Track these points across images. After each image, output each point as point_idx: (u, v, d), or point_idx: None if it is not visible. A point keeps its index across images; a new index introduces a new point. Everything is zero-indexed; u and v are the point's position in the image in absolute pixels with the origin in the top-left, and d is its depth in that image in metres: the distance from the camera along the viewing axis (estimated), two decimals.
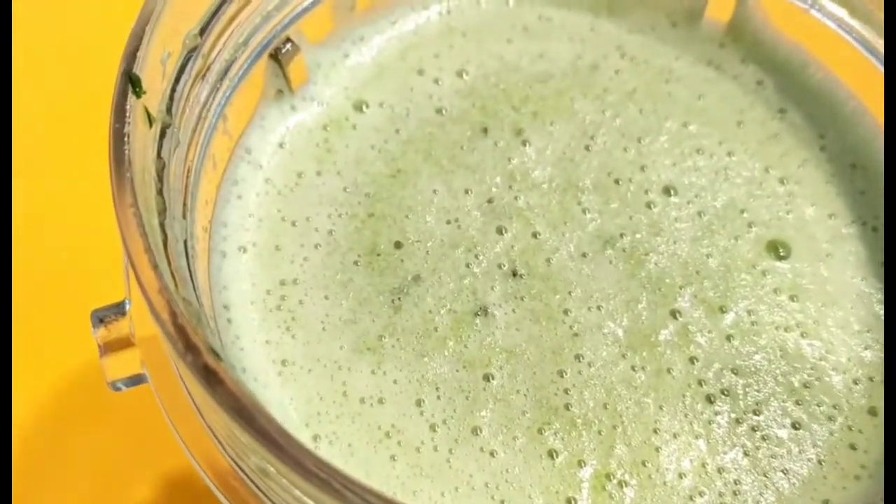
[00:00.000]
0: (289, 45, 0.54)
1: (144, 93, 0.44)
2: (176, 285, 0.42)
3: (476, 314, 0.49)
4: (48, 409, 0.65)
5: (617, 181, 0.52)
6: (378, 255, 0.51)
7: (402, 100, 0.55)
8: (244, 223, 0.51)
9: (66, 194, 0.73)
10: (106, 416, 0.64)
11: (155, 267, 0.39)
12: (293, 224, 0.51)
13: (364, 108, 0.55)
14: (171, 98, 0.47)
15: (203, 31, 0.48)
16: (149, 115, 0.44)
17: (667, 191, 0.52)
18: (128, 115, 0.43)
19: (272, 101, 0.54)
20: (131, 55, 0.44)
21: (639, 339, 0.48)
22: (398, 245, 0.51)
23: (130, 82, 0.44)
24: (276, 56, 0.53)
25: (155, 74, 0.45)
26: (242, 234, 0.51)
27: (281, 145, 0.53)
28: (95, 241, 0.66)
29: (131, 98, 0.43)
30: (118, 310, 0.47)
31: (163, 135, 0.46)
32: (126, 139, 0.42)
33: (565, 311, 0.49)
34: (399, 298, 0.49)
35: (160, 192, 0.44)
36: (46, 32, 0.80)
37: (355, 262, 0.50)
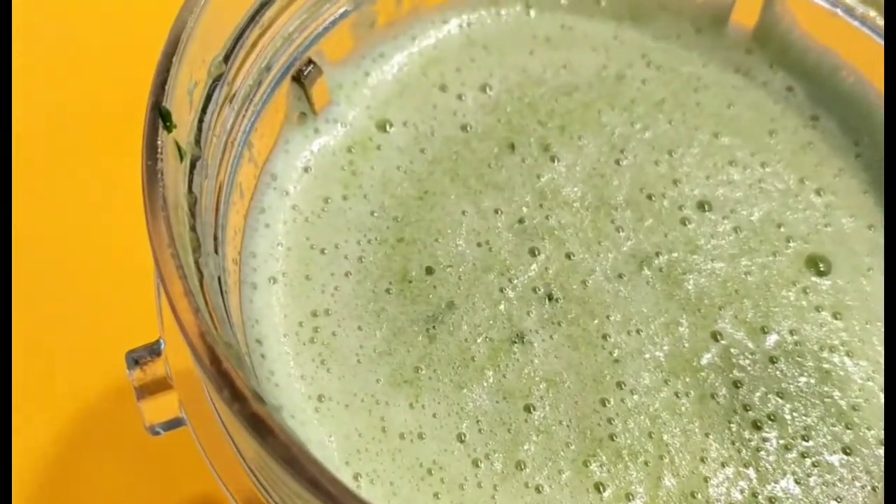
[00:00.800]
0: (311, 67, 0.53)
1: (175, 126, 0.43)
2: (215, 326, 0.41)
3: (513, 341, 0.48)
4: (69, 435, 0.64)
5: (650, 197, 0.52)
6: (410, 281, 0.50)
7: (425, 118, 0.54)
8: (273, 252, 0.50)
9: (72, 208, 0.71)
10: (127, 441, 0.63)
11: (196, 311, 0.38)
12: (322, 252, 0.50)
13: (388, 127, 0.54)
14: (200, 129, 0.46)
15: (227, 57, 0.47)
16: (179, 148, 0.43)
17: (701, 206, 0.51)
18: (159, 150, 0.42)
19: (296, 125, 0.53)
20: (159, 87, 0.43)
21: (681, 363, 0.48)
22: (429, 271, 0.50)
23: (161, 116, 0.42)
24: (298, 78, 0.52)
25: (182, 105, 0.44)
26: (272, 264, 0.50)
27: (306, 170, 0.52)
28: (115, 265, 0.65)
29: (162, 133, 0.42)
30: (153, 350, 0.46)
31: (192, 167, 0.45)
32: (160, 177, 0.41)
33: (604, 336, 0.48)
34: (434, 327, 0.48)
35: (193, 228, 0.43)
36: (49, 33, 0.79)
37: (387, 290, 0.49)
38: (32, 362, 0.64)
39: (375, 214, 0.51)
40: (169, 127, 0.42)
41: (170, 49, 0.44)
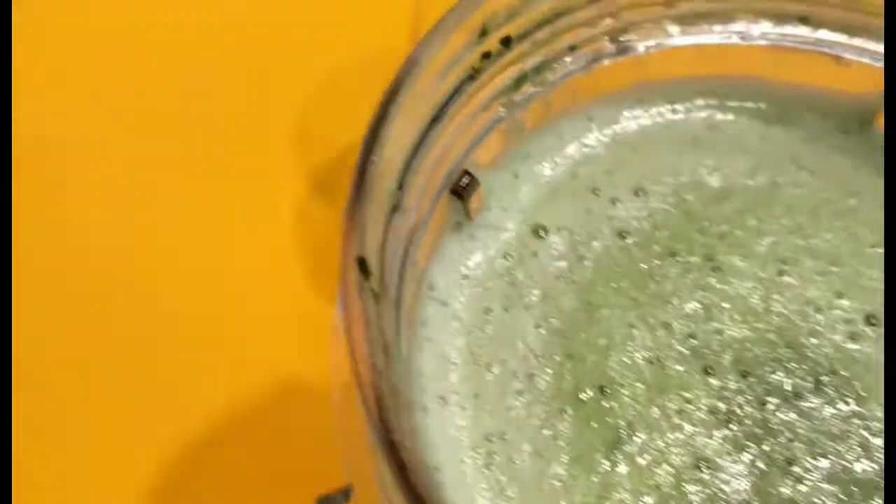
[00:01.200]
0: (468, 179, 0.52)
1: (371, 273, 0.42)
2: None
3: (697, 467, 0.48)
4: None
5: (818, 310, 0.51)
6: (583, 402, 0.49)
7: (580, 223, 0.54)
8: (439, 370, 0.50)
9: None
10: None
11: (412, 489, 0.38)
12: (489, 368, 0.50)
13: (542, 233, 0.53)
14: (383, 265, 0.45)
15: (401, 185, 0.47)
16: (374, 294, 0.43)
17: (868, 320, 0.51)
18: (359, 301, 0.41)
19: (452, 234, 0.53)
20: (358, 238, 0.42)
21: (870, 487, 0.47)
22: (602, 391, 0.49)
23: (361, 269, 0.42)
24: (457, 191, 0.52)
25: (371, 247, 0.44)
26: (439, 382, 0.50)
27: (465, 278, 0.52)
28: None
29: (361, 283, 0.42)
30: (344, 497, 0.45)
31: (378, 305, 0.44)
32: (369, 331, 0.40)
33: (789, 461, 0.48)
34: (614, 452, 0.48)
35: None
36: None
37: (561, 411, 0.49)
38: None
39: (540, 328, 0.51)
40: (367, 276, 0.42)
41: (356, 194, 0.43)
